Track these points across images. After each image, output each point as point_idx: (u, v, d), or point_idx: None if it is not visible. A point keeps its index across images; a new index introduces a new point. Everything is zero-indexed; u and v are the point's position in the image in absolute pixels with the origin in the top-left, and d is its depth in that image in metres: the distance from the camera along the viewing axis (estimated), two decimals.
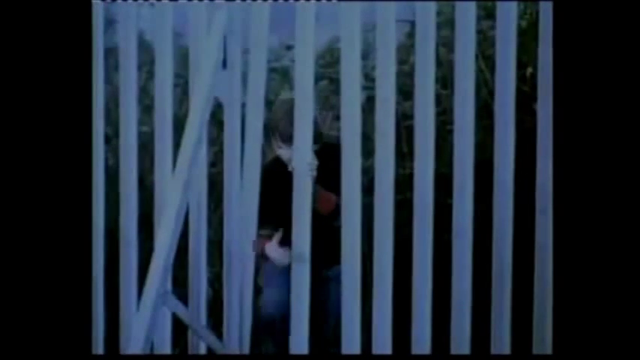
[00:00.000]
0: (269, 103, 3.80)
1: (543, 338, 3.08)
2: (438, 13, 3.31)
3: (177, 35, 3.80)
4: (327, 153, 3.41)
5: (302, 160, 3.32)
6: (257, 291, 3.58)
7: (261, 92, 3.48)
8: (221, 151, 3.65)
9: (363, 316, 3.35)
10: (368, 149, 3.60)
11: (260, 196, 3.46)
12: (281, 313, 3.42)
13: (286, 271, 3.40)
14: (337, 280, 3.44)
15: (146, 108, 4.27)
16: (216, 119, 3.99)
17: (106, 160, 3.93)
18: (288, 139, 3.38)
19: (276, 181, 3.46)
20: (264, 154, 3.52)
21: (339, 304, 3.44)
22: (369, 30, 3.80)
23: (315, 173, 3.33)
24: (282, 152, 3.44)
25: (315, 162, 3.33)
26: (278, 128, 3.41)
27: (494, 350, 3.16)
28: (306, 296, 3.34)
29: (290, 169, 3.35)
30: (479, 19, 3.42)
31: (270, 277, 3.47)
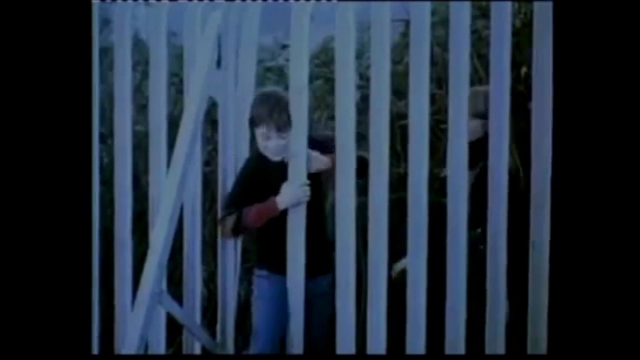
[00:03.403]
0: None
1: (538, 338, 3.08)
2: (433, 13, 3.30)
3: (172, 35, 3.80)
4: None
5: (298, 159, 3.32)
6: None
7: (251, 91, 3.49)
8: (215, 150, 3.64)
9: (358, 316, 3.35)
10: (362, 148, 3.60)
11: (236, 184, 3.44)
12: (273, 326, 3.39)
13: (277, 283, 3.39)
14: (323, 295, 3.44)
15: (141, 107, 4.26)
16: (210, 118, 3.98)
17: (101, 159, 3.93)
18: (283, 128, 3.33)
19: (255, 175, 3.43)
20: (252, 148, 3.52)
21: (323, 319, 3.44)
22: (363, 29, 3.79)
23: (309, 198, 3.33)
24: (270, 143, 3.35)
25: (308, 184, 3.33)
26: (272, 118, 3.33)
27: (488, 350, 3.16)
28: (302, 309, 3.34)
29: (285, 160, 3.33)
30: (473, 18, 3.41)
31: (261, 288, 3.44)
